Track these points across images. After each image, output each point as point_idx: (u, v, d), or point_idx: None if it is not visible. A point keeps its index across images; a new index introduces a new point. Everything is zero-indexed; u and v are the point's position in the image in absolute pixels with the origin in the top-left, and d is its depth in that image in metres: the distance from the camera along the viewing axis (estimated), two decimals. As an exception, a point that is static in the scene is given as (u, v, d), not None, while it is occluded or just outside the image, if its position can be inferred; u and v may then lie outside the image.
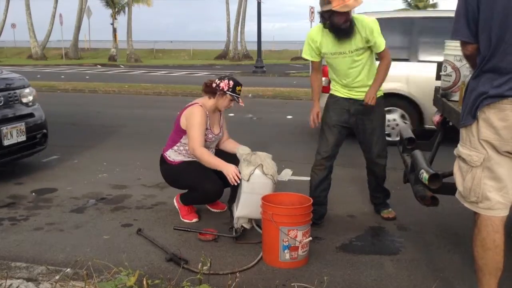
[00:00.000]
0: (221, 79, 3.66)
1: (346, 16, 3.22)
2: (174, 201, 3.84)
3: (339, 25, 3.25)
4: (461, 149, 2.24)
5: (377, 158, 3.69)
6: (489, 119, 2.08)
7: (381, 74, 3.46)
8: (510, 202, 2.18)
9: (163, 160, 3.80)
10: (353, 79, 3.49)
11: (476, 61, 2.16)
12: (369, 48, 3.41)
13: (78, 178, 4.90)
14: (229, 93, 3.61)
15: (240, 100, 3.67)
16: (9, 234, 3.45)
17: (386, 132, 4.25)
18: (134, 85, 14.69)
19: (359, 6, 3.21)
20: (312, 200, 3.11)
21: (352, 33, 3.31)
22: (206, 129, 3.64)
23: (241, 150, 3.46)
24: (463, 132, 2.24)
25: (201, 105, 3.63)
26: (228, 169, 3.38)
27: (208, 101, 3.69)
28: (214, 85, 3.64)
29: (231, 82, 3.62)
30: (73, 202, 4.16)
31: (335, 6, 3.13)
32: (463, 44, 2.21)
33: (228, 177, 3.37)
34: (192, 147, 3.55)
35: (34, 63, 30.14)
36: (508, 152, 2.10)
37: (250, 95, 12.17)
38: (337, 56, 3.44)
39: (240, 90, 3.66)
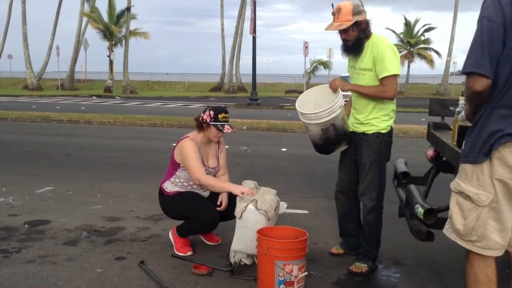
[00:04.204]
0: (204, 111, 3.69)
1: (345, 35, 3.29)
2: (170, 233, 3.82)
3: (343, 41, 3.36)
4: (464, 185, 2.16)
5: (361, 196, 3.50)
6: (504, 158, 2.04)
7: (368, 88, 3.32)
8: (506, 244, 2.16)
9: (161, 192, 3.82)
10: (355, 99, 3.49)
11: (484, 99, 2.08)
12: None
13: (72, 210, 4.87)
14: (212, 123, 3.62)
15: (225, 127, 3.62)
16: (1, 267, 3.39)
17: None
18: (129, 116, 14.74)
19: (338, 29, 3.27)
20: (307, 234, 3.10)
21: (354, 52, 3.36)
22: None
23: (246, 185, 3.47)
24: (469, 168, 2.15)
25: (191, 138, 3.67)
26: (239, 189, 3.39)
27: (198, 134, 3.72)
28: (200, 119, 3.68)
29: (212, 112, 3.63)
30: (66, 234, 4.12)
31: (326, 27, 3.33)
32: (480, 79, 2.03)
33: (240, 196, 3.36)
34: (196, 177, 3.57)
35: (30, 93, 30.23)
36: None
37: (244, 127, 12.22)
38: (353, 70, 3.47)
39: (224, 117, 3.63)
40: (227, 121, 3.66)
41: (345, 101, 3.62)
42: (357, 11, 3.22)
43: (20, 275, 3.27)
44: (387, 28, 37.37)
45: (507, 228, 2.12)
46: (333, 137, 3.36)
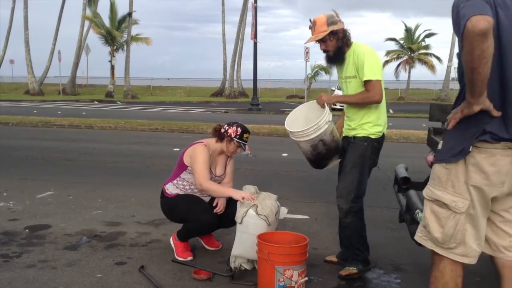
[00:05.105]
0: (230, 125, 3.73)
1: (324, 45, 3.37)
2: (171, 239, 3.83)
3: (323, 52, 3.42)
4: (440, 193, 2.13)
5: (337, 197, 3.45)
6: (479, 164, 2.03)
7: (354, 96, 3.37)
8: (480, 251, 2.16)
9: (162, 194, 3.86)
10: (346, 108, 3.53)
11: (489, 46, 1.83)
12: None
13: (72, 215, 4.87)
14: (236, 140, 3.68)
15: (247, 148, 3.72)
16: (1, 271, 3.39)
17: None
18: (130, 121, 14.77)
19: (315, 40, 3.35)
20: (308, 240, 3.10)
21: (337, 61, 3.42)
22: None
23: (246, 190, 3.48)
24: (442, 173, 2.13)
25: (205, 144, 3.70)
26: (239, 194, 3.41)
27: (215, 144, 3.76)
28: (222, 130, 3.72)
29: (239, 129, 3.69)
30: (66, 239, 4.12)
31: (305, 41, 3.44)
32: (482, 17, 1.81)
33: (240, 201, 3.37)
34: (199, 182, 3.59)
35: (31, 98, 30.32)
36: (493, 198, 2.08)
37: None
38: (341, 80, 3.54)
39: (247, 138, 3.73)
40: (247, 142, 3.73)
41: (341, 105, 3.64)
42: (332, 21, 3.31)
43: (20, 280, 3.27)
44: (388, 39, 37.51)
45: (482, 236, 2.13)
46: (324, 152, 3.39)
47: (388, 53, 37.35)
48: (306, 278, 3.02)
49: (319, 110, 3.40)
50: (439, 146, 2.20)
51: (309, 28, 3.40)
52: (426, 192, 2.21)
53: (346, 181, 3.40)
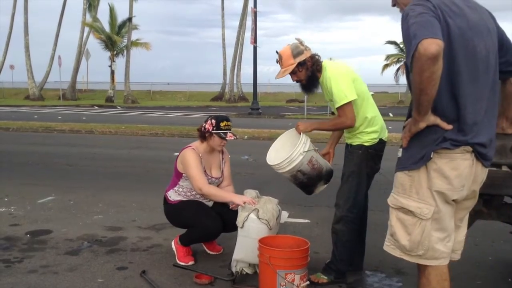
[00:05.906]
0: (206, 121, 3.72)
1: (295, 77, 3.38)
2: (173, 243, 3.83)
3: (296, 82, 3.45)
4: (404, 201, 2.14)
5: (335, 205, 3.43)
6: (441, 169, 2.05)
7: (329, 123, 3.48)
8: (451, 250, 2.18)
9: (165, 200, 3.86)
10: None
11: (438, 70, 1.88)
12: None
13: (73, 220, 4.88)
14: (215, 132, 3.65)
15: (228, 135, 3.65)
16: (3, 277, 3.39)
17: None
18: (130, 126, 14.79)
19: (284, 75, 3.36)
20: (309, 244, 3.10)
21: (313, 88, 3.46)
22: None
23: (247, 194, 3.48)
24: (405, 181, 2.14)
25: (193, 148, 3.70)
26: (241, 199, 3.41)
27: (201, 144, 3.75)
28: (202, 128, 3.71)
29: (213, 121, 3.66)
30: (67, 244, 4.12)
31: (276, 76, 3.43)
32: (433, 40, 1.85)
33: (242, 205, 3.37)
34: (198, 187, 3.59)
35: (31, 103, 30.36)
36: (453, 200, 2.10)
37: (245, 136, 12.25)
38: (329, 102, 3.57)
39: (226, 125, 3.66)
40: (229, 129, 3.69)
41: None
42: (297, 52, 3.30)
43: (22, 285, 3.26)
44: (387, 42, 37.57)
45: (450, 234, 2.14)
46: (305, 181, 3.41)
47: (388, 57, 37.43)
48: (308, 282, 3.02)
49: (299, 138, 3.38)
50: (399, 154, 2.21)
51: (277, 62, 3.40)
52: (390, 200, 2.21)
53: (343, 190, 3.40)
